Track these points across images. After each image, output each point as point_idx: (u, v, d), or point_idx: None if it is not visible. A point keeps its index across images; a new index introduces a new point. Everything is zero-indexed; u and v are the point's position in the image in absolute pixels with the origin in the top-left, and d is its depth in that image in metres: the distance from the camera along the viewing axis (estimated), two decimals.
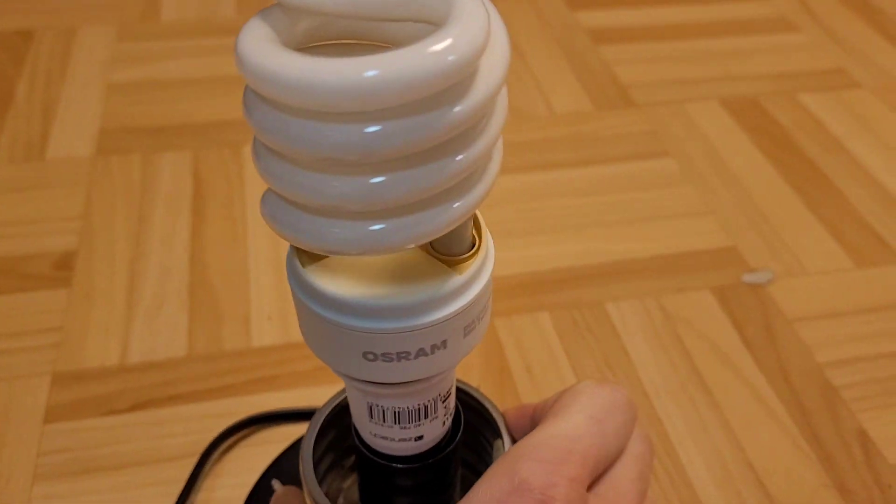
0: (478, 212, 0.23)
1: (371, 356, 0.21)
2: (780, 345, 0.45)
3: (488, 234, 0.23)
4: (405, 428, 0.25)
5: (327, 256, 0.22)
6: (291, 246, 0.21)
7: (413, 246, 0.19)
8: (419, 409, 0.25)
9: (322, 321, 0.21)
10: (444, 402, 0.25)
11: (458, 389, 0.30)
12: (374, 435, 0.26)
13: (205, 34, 0.71)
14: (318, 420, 0.30)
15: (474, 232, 0.22)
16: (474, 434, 0.31)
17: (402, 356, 0.21)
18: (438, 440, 0.27)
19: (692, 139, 0.60)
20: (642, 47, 0.70)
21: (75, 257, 0.50)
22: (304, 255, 0.22)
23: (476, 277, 0.21)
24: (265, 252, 0.50)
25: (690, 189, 0.55)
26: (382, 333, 0.21)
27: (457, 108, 0.17)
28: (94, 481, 0.39)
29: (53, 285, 0.48)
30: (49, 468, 0.39)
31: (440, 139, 0.17)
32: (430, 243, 0.22)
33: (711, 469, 0.39)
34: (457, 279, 0.21)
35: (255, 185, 0.55)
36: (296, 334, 0.46)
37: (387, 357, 0.21)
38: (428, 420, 0.25)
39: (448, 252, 0.22)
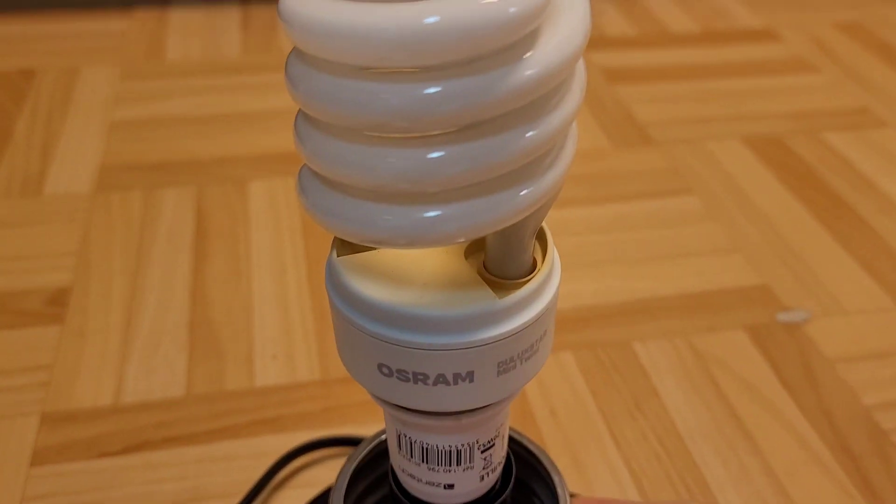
0: (548, 231, 0.20)
1: (386, 370, 0.19)
2: (821, 386, 0.42)
3: (555, 261, 0.20)
4: (433, 470, 0.22)
5: (371, 249, 0.19)
6: (335, 238, 0.19)
7: (469, 238, 0.16)
8: (450, 451, 0.22)
9: (340, 317, 0.19)
10: (483, 452, 0.22)
11: (522, 448, 0.27)
12: (403, 471, 0.23)
13: (209, 74, 0.69)
14: (364, 448, 0.27)
15: (537, 256, 0.20)
16: (528, 498, 0.28)
17: (420, 378, 0.19)
18: (475, 496, 0.24)
19: (714, 177, 0.58)
20: (658, 87, 0.69)
21: (69, 294, 0.47)
22: (345, 246, 0.19)
23: (520, 307, 0.19)
24: (270, 289, 0.48)
25: (715, 226, 0.53)
26: (394, 344, 0.18)
27: (527, 72, 0.14)
28: None
29: (45, 322, 0.46)
30: None
31: (507, 106, 0.15)
32: (483, 261, 0.19)
33: None
34: (494, 303, 0.18)
35: (260, 222, 0.53)
36: (302, 374, 0.43)
37: (402, 375, 0.19)
38: (461, 468, 0.22)
39: (500, 273, 0.19)
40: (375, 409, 0.41)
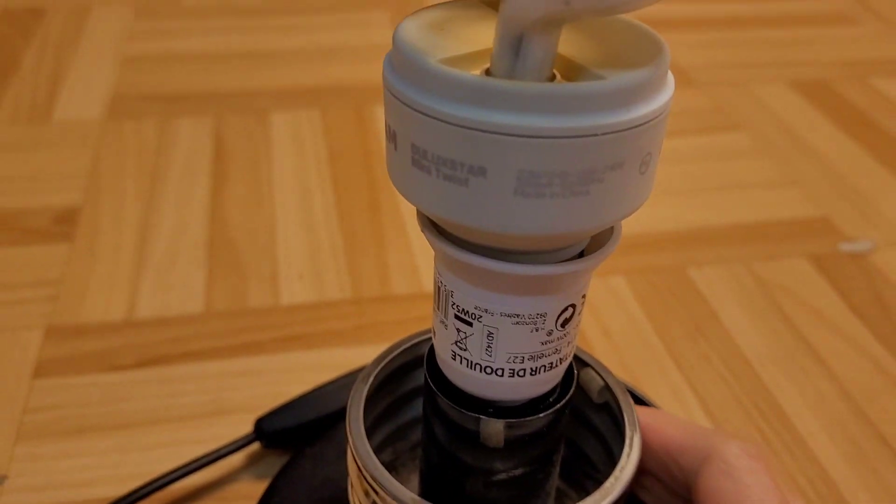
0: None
1: (388, 129, 0.16)
2: (895, 314, 0.39)
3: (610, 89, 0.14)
4: (443, 322, 0.19)
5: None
6: None
7: None
8: (458, 310, 0.18)
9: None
10: (485, 335, 0.18)
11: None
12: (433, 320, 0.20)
13: (227, 16, 0.66)
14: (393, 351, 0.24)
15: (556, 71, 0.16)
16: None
17: (391, 137, 0.16)
18: (474, 390, 0.20)
19: (762, 116, 0.55)
20: (699, 35, 0.66)
21: (79, 213, 0.44)
22: None
23: (520, 100, 0.14)
24: (294, 212, 0.45)
25: (767, 162, 0.50)
26: (388, 88, 0.15)
27: None
28: (90, 441, 0.32)
29: (53, 240, 0.42)
30: (35, 426, 0.32)
31: None
32: None
33: (838, 444, 0.32)
34: (482, 80, 0.14)
35: (284, 150, 0.50)
36: (332, 293, 0.39)
37: (389, 133, 0.16)
38: (458, 338, 0.19)
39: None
40: (410, 327, 0.38)
